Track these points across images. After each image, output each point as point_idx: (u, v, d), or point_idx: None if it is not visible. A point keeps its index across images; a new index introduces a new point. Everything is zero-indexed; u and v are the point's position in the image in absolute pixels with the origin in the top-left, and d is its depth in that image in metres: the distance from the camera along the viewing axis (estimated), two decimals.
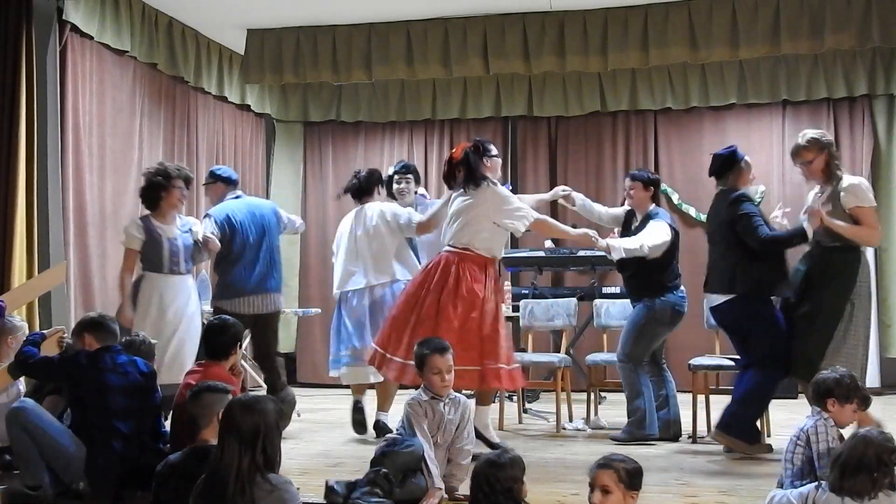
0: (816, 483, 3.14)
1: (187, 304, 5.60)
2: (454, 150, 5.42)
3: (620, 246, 5.63)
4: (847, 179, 5.05)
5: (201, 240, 5.73)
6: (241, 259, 5.93)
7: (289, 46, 8.05)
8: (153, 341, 4.80)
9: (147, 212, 5.77)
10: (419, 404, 4.05)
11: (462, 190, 5.27)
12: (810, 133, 5.20)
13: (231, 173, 6.34)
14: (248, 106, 9.19)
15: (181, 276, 5.61)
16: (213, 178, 6.26)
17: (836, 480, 3.03)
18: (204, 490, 3.03)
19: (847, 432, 3.49)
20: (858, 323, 4.92)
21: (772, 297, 5.24)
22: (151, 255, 5.54)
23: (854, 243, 4.99)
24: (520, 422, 6.61)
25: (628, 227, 5.97)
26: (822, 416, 3.68)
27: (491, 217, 5.20)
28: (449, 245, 5.26)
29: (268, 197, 9.64)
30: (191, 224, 5.82)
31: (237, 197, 6.16)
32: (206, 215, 6.06)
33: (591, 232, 5.61)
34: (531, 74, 8.55)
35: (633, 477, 2.96)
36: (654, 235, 5.68)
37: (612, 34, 7.47)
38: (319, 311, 8.67)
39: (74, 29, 6.67)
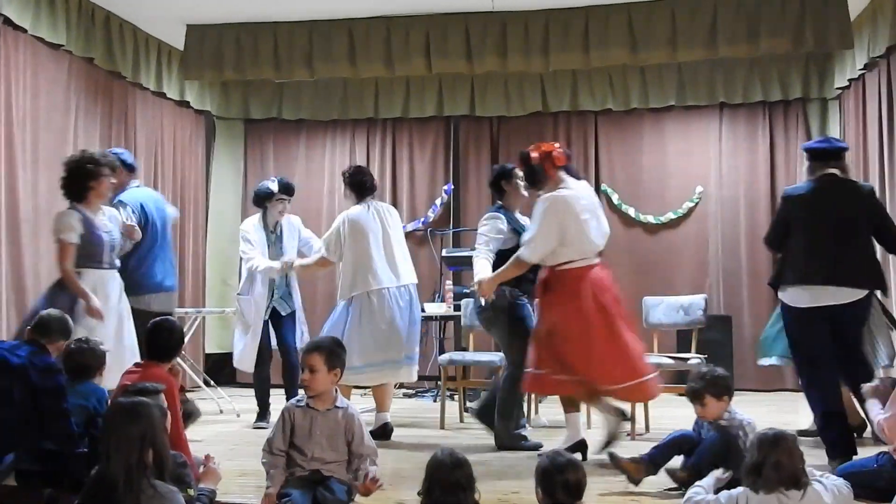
0: (745, 488, 3.22)
1: (121, 300, 5.37)
2: (552, 148, 5.17)
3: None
4: None
5: (124, 229, 5.50)
6: (152, 252, 5.85)
7: (229, 43, 7.96)
8: (104, 347, 4.48)
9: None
10: (290, 410, 3.83)
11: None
12: None
13: (133, 159, 6.20)
14: (188, 103, 9.05)
15: (114, 271, 5.38)
16: (120, 163, 5.87)
17: (772, 479, 3.14)
18: (90, 494, 2.98)
19: None
20: None
21: None
22: (91, 250, 5.20)
23: None
24: (461, 420, 6.62)
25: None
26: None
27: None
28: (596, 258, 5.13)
29: (208, 195, 9.55)
30: (115, 214, 5.55)
31: (138, 186, 6.08)
32: (119, 202, 5.77)
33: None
34: (473, 74, 8.58)
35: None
36: None
37: (553, 35, 7.53)
38: None
39: (7, 22, 6.49)
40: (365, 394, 8.38)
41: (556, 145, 5.21)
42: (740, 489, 3.24)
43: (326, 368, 3.80)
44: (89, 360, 4.31)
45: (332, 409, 3.82)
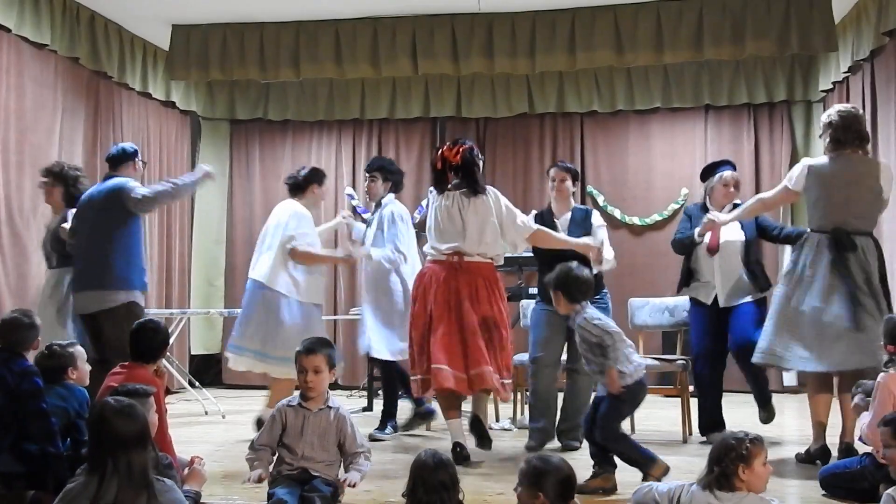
0: (687, 483, 3.18)
1: None
2: (448, 152, 5.04)
3: (612, 258, 5.45)
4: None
5: None
6: None
7: (215, 43, 7.95)
8: (71, 350, 4.46)
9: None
10: (282, 410, 3.82)
11: (454, 195, 5.00)
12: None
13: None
14: (174, 103, 9.03)
15: None
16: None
17: (705, 476, 3.09)
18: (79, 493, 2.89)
19: None
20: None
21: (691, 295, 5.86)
22: None
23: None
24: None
25: (550, 223, 5.60)
26: None
27: (496, 226, 5.01)
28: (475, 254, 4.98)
29: (193, 196, 9.51)
30: None
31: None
32: None
33: (594, 241, 5.33)
34: (460, 75, 8.60)
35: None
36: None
37: (539, 37, 7.56)
38: None
39: None
40: (351, 395, 8.41)
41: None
42: (679, 483, 3.17)
43: (328, 369, 3.83)
44: (57, 362, 4.27)
45: (323, 408, 3.82)
